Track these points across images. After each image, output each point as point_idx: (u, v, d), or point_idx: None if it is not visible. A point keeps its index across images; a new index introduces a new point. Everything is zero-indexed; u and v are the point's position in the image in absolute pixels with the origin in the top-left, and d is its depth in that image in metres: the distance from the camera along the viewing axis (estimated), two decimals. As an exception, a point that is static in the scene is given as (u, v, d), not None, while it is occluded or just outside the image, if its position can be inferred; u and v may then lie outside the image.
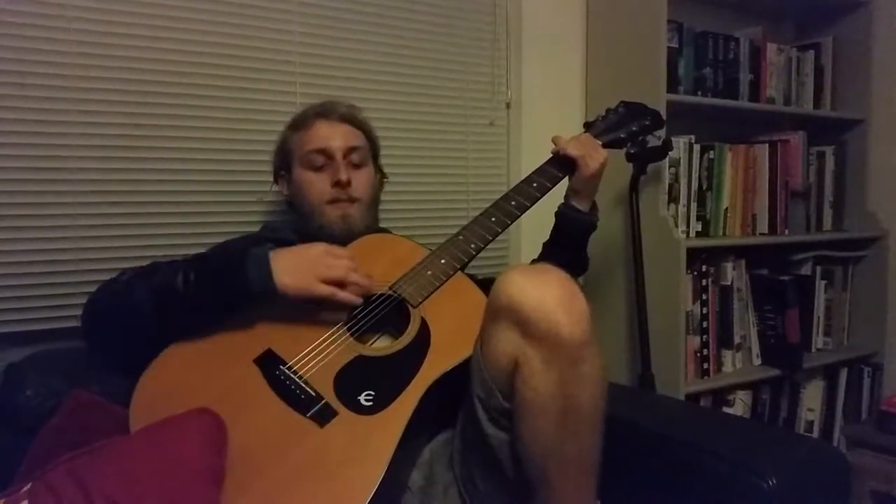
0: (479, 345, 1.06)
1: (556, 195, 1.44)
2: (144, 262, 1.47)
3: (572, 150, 1.37)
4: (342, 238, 1.35)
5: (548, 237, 1.48)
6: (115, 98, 1.47)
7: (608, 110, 1.54)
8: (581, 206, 1.43)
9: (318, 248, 1.16)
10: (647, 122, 1.52)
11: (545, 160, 1.42)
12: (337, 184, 1.37)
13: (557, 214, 1.45)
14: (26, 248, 1.40)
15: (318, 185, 1.39)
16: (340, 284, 1.13)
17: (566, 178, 1.42)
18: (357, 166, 1.42)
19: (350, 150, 1.40)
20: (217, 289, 1.11)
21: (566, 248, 1.44)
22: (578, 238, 1.46)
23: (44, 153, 1.41)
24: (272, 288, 1.10)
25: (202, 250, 1.39)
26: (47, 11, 1.39)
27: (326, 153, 1.39)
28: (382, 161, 1.56)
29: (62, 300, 1.44)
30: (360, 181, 1.41)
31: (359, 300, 1.15)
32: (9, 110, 1.37)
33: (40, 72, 1.40)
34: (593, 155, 1.38)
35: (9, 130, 1.38)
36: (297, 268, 1.12)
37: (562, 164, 1.40)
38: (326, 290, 1.11)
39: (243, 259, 1.11)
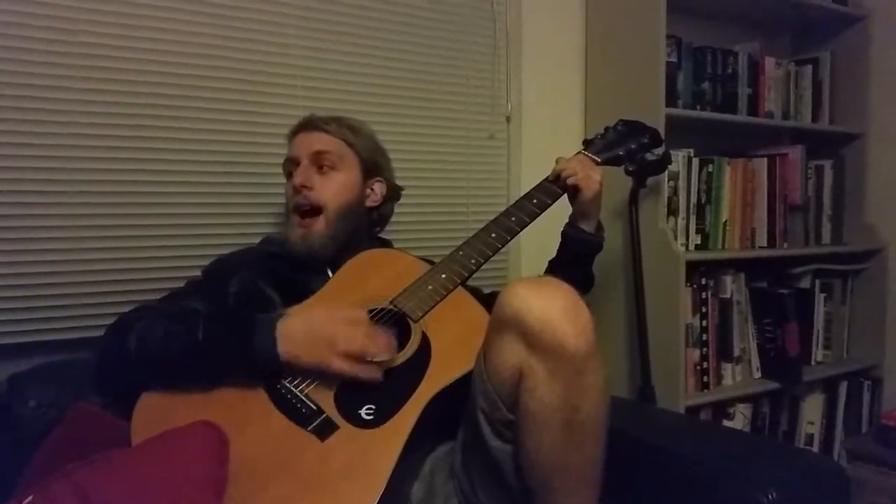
0: (483, 357, 1.06)
1: (559, 211, 1.44)
2: (147, 275, 1.51)
3: (572, 179, 1.38)
4: (304, 257, 1.35)
5: (554, 255, 1.48)
6: (118, 111, 1.48)
7: (607, 128, 1.55)
8: (587, 227, 1.43)
9: (330, 318, 1.12)
10: (645, 140, 1.53)
11: (545, 177, 1.43)
12: (295, 189, 1.36)
13: (563, 234, 1.45)
14: (30, 260, 1.41)
15: (288, 192, 1.40)
16: (360, 356, 1.09)
17: (565, 195, 1.42)
18: (326, 171, 1.39)
19: (317, 155, 1.38)
20: (222, 357, 1.10)
21: (572, 268, 1.44)
22: (585, 258, 1.46)
23: (48, 165, 1.42)
24: (276, 361, 1.08)
25: (204, 262, 1.40)
26: (54, 24, 1.41)
27: (294, 161, 1.40)
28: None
29: (66, 311, 1.45)
30: (327, 185, 1.37)
31: (379, 377, 1.10)
32: (10, 122, 1.38)
33: (45, 84, 1.41)
34: (592, 176, 1.39)
35: (13, 143, 1.39)
36: (311, 344, 1.09)
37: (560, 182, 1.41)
38: (347, 369, 1.08)
39: (251, 329, 1.10)
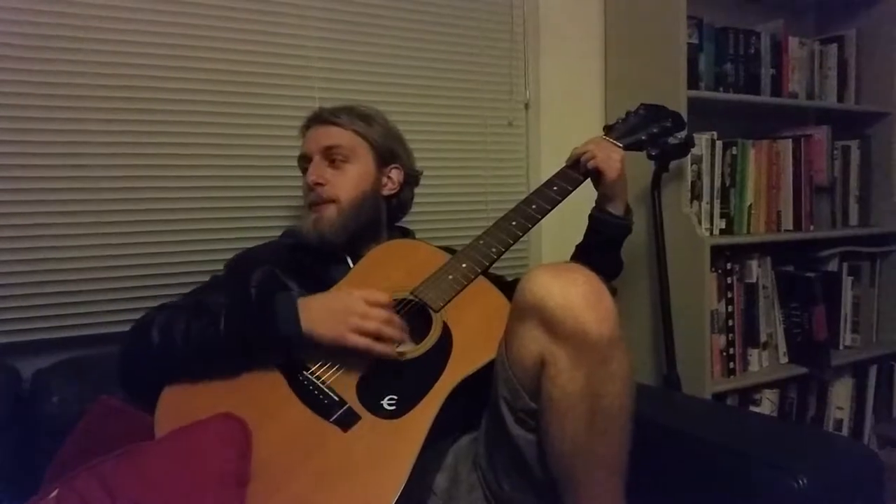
0: (505, 345, 1.05)
1: (581, 198, 1.42)
2: (170, 269, 1.52)
3: (592, 162, 1.36)
4: (317, 244, 1.34)
5: (581, 239, 1.46)
6: (137, 106, 1.49)
7: (628, 113, 1.53)
8: (615, 210, 1.41)
9: (353, 296, 1.13)
10: (668, 124, 1.51)
11: (566, 163, 1.41)
12: (309, 186, 1.37)
13: (591, 218, 1.43)
14: (53, 257, 1.42)
15: (303, 189, 1.41)
16: (375, 335, 1.10)
17: (587, 181, 1.40)
18: (338, 165, 1.38)
19: (327, 150, 1.38)
20: (246, 340, 1.10)
21: (600, 252, 1.42)
22: (613, 242, 1.44)
23: (70, 162, 1.43)
24: (301, 336, 1.09)
25: (227, 256, 1.40)
26: (65, 21, 1.41)
27: (306, 158, 1.40)
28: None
29: (90, 307, 1.46)
30: (340, 180, 1.37)
31: (394, 353, 1.12)
32: (31, 121, 1.39)
33: (63, 81, 1.42)
34: (613, 157, 1.37)
35: (33, 141, 1.40)
36: (330, 316, 1.10)
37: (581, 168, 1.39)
38: (362, 342, 1.09)
39: (272, 309, 1.11)
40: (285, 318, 1.10)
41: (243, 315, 1.12)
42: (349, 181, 1.37)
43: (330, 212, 1.35)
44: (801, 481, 1.07)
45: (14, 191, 1.38)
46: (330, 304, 1.12)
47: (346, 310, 1.10)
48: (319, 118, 1.42)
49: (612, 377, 0.95)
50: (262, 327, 1.10)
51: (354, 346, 1.08)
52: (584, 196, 1.43)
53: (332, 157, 1.37)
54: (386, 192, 1.43)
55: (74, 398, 1.23)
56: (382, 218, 1.45)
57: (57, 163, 1.42)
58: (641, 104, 1.54)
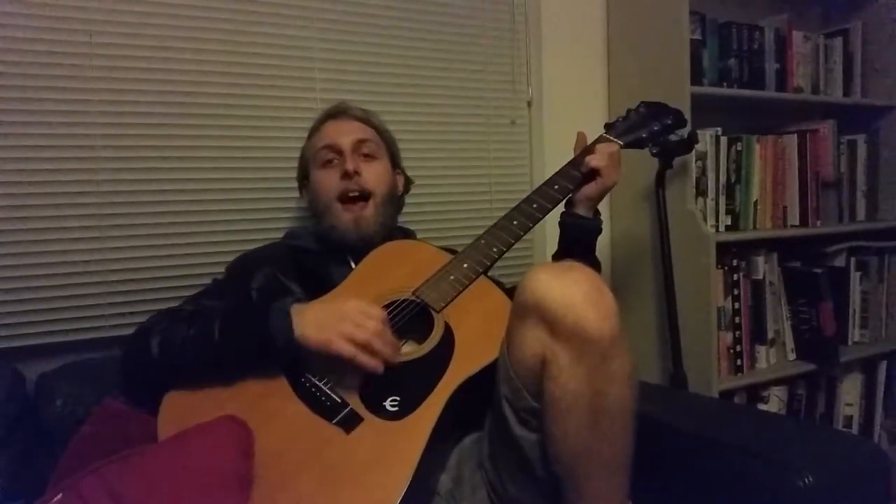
0: (506, 345, 1.05)
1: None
2: (172, 272, 1.52)
3: (595, 162, 1.35)
4: (355, 242, 1.35)
5: (556, 248, 1.45)
6: (140, 109, 1.49)
7: (629, 111, 1.52)
8: (586, 213, 1.39)
9: (350, 304, 1.10)
10: (668, 122, 1.50)
11: (566, 162, 1.40)
12: (345, 175, 1.36)
13: (562, 225, 1.40)
14: (56, 261, 1.42)
15: (326, 181, 1.39)
16: (364, 346, 1.06)
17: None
18: (368, 159, 1.40)
19: (359, 143, 1.40)
20: (240, 346, 1.10)
21: (578, 256, 1.41)
22: (587, 245, 1.43)
23: (71, 166, 1.43)
24: (294, 341, 1.07)
25: (228, 259, 1.41)
26: (68, 26, 1.42)
27: (334, 148, 1.39)
28: (404, 164, 1.55)
29: (92, 311, 1.46)
30: (373, 173, 1.39)
31: (379, 368, 1.07)
32: (36, 125, 1.40)
33: (62, 86, 1.42)
34: (618, 168, 1.36)
35: (38, 145, 1.40)
36: (322, 321, 1.08)
37: (583, 167, 1.38)
38: (347, 349, 1.05)
39: (265, 315, 1.10)
40: (278, 325, 1.08)
41: (237, 323, 1.12)
42: (381, 175, 1.41)
43: (369, 210, 1.37)
44: (806, 479, 1.07)
45: (17, 195, 1.39)
46: (325, 310, 1.11)
47: (340, 316, 1.08)
48: (345, 112, 1.45)
49: (614, 375, 0.94)
50: (254, 334, 1.09)
51: (339, 351, 1.05)
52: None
53: (362, 150, 1.40)
54: (397, 194, 1.48)
55: (78, 401, 1.23)
56: (396, 218, 1.49)
57: (59, 167, 1.42)
58: (642, 102, 1.54)
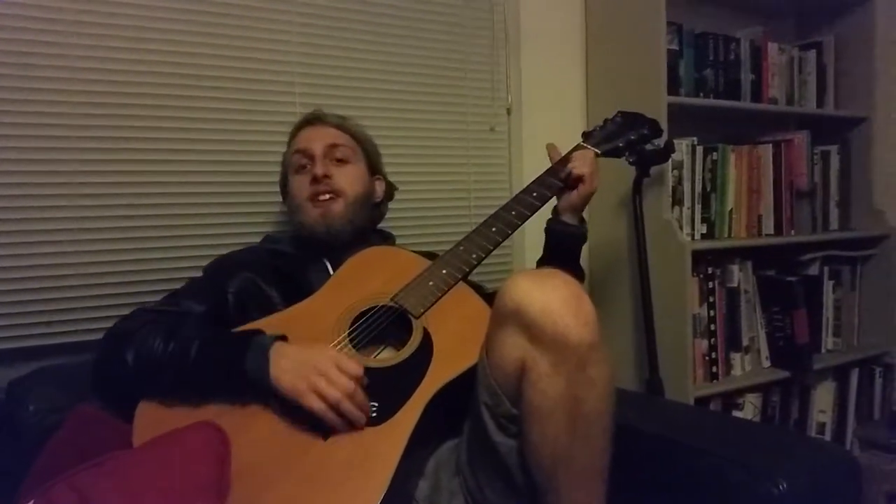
0: (486, 351, 1.05)
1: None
2: (147, 276, 1.50)
3: (577, 170, 1.36)
4: (323, 236, 1.36)
5: (540, 254, 1.46)
6: (116, 111, 1.47)
7: (605, 120, 1.54)
8: (572, 220, 1.41)
9: (327, 356, 1.06)
10: (644, 131, 1.52)
11: (545, 170, 1.41)
12: (314, 179, 1.37)
13: (548, 231, 1.43)
14: (29, 264, 1.40)
15: (298, 185, 1.41)
16: (334, 405, 1.02)
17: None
18: (341, 164, 1.42)
19: (331, 148, 1.42)
20: (213, 376, 1.09)
21: (562, 263, 1.42)
22: (573, 251, 1.44)
23: (45, 168, 1.41)
24: (267, 381, 1.05)
25: (204, 263, 1.39)
26: (54, 28, 1.41)
27: (307, 153, 1.41)
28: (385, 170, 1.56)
29: (65, 315, 1.44)
30: (344, 176, 1.41)
31: (344, 429, 1.03)
32: (9, 126, 1.38)
33: (43, 87, 1.41)
34: (596, 174, 1.38)
35: (10, 147, 1.38)
36: (298, 370, 1.04)
37: (561, 174, 1.39)
38: (317, 406, 1.01)
39: (244, 349, 1.08)
40: (254, 363, 1.06)
41: (214, 351, 1.11)
42: (352, 178, 1.42)
43: (337, 205, 1.38)
44: (780, 486, 1.08)
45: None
46: (303, 357, 1.06)
47: (314, 369, 1.04)
48: (319, 119, 1.47)
49: (593, 382, 0.95)
50: (230, 366, 1.08)
51: (309, 406, 1.02)
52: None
53: (334, 155, 1.42)
54: (374, 199, 1.49)
55: (51, 407, 1.20)
56: (371, 224, 1.50)
57: (28, 169, 1.40)
58: (619, 112, 1.55)
